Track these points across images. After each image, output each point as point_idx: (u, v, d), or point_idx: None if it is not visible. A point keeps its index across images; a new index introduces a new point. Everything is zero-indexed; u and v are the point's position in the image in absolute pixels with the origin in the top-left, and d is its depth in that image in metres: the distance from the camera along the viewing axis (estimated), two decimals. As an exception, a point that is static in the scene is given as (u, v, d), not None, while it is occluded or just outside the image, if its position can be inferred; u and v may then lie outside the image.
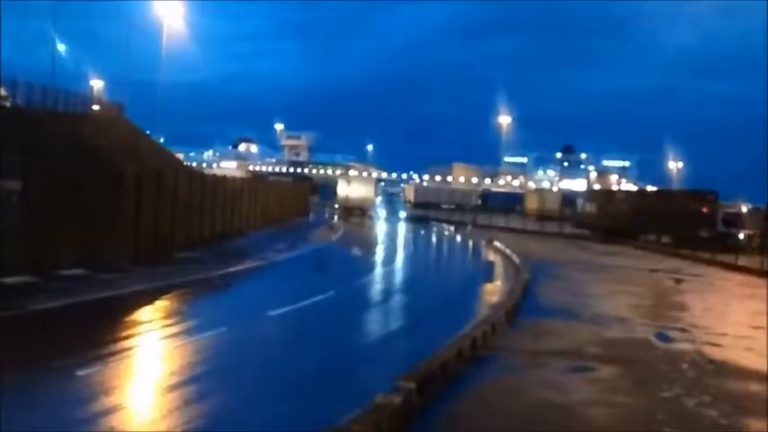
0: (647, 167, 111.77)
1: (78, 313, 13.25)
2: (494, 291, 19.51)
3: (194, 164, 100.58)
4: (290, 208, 48.60)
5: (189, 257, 22.03)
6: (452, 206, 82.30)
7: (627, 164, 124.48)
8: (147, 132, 46.89)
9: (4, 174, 15.42)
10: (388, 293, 18.98)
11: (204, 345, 11.33)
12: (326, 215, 58.13)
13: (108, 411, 7.81)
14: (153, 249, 20.88)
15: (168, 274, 18.30)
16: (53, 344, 10.74)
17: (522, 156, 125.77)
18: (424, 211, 68.61)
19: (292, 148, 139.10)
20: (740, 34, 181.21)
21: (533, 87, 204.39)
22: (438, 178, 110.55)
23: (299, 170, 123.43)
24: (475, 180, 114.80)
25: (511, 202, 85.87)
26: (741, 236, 38.84)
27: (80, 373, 9.10)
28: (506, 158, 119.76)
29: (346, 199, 61.37)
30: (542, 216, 68.61)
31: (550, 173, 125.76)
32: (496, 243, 34.98)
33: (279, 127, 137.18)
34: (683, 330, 14.75)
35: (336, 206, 62.22)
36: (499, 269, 24.43)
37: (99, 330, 12.03)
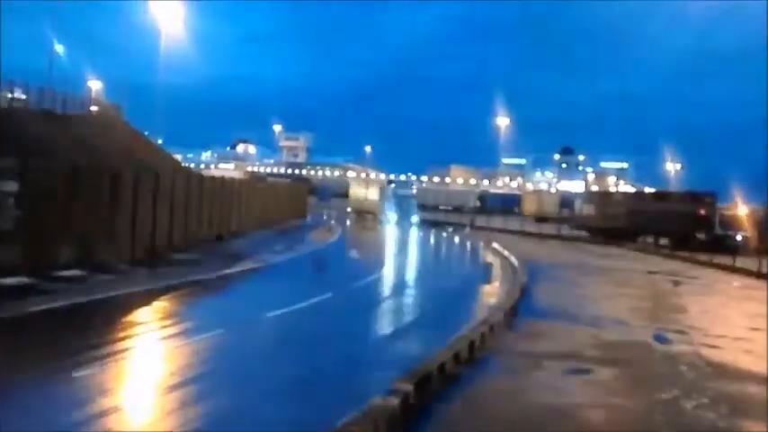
0: (645, 169, 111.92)
1: (75, 314, 13.22)
2: (492, 292, 19.50)
3: (192, 165, 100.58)
4: (288, 209, 48.54)
5: (186, 259, 21.99)
6: (450, 208, 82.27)
7: (625, 165, 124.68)
8: (146, 133, 46.82)
9: (0, 175, 15.39)
10: (385, 295, 18.96)
11: (202, 346, 11.30)
12: (325, 216, 58.05)
13: (105, 413, 7.79)
14: (150, 250, 20.85)
15: (166, 276, 18.27)
16: (50, 345, 10.71)
17: (521, 157, 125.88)
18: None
19: (290, 149, 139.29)
20: (738, 36, 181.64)
21: (532, 89, 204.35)
22: (436, 179, 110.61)
23: (297, 171, 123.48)
24: (473, 181, 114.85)
25: (509, 204, 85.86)
26: (739, 237, 38.87)
27: (77, 374, 9.07)
28: (504, 160, 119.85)
29: (357, 201, 60.74)
30: (540, 218, 68.68)
31: (548, 174, 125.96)
32: (494, 245, 34.99)
33: (277, 128, 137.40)
34: (681, 332, 14.74)
35: (349, 209, 61.35)
36: (497, 271, 24.42)
37: (96, 332, 11.99)
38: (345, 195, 67.30)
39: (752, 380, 10.96)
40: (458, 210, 79.95)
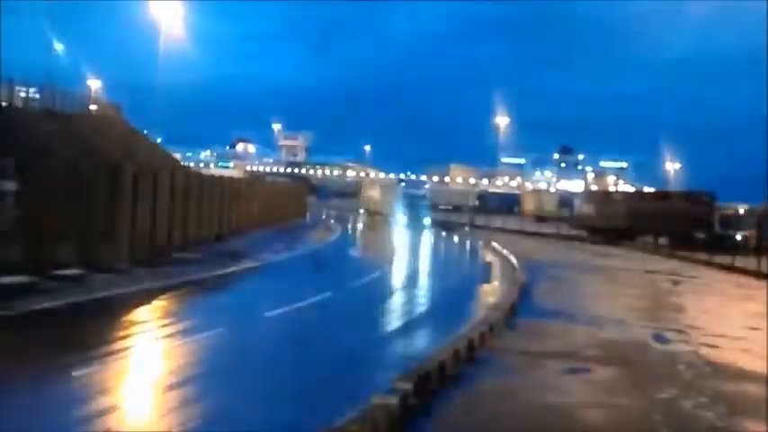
0: (645, 169, 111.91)
1: (75, 314, 13.22)
2: (491, 292, 19.50)
3: (192, 164, 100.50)
4: (288, 208, 48.52)
5: (186, 258, 21.99)
6: (450, 207, 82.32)
7: (624, 165, 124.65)
8: (145, 132, 46.79)
9: (0, 174, 15.39)
10: (385, 294, 18.95)
11: (201, 346, 11.30)
12: (324, 216, 58.04)
13: (104, 412, 7.79)
14: (150, 249, 20.84)
15: (165, 275, 18.27)
16: (49, 344, 10.70)
17: (520, 157, 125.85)
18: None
19: (290, 148, 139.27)
20: (738, 36, 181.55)
21: (531, 88, 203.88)
22: (435, 179, 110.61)
23: (296, 170, 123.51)
24: (472, 181, 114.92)
25: (508, 204, 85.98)
26: (738, 237, 38.91)
27: (76, 373, 9.07)
28: (504, 159, 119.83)
29: (370, 202, 59.82)
30: (540, 217, 68.84)
31: (548, 174, 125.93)
32: (494, 244, 34.99)
33: (276, 127, 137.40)
34: (681, 332, 14.75)
35: (361, 210, 60.54)
36: (496, 270, 24.42)
37: (96, 331, 12.00)
38: (344, 195, 67.15)
39: (751, 379, 10.96)
40: (457, 209, 79.98)
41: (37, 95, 32.82)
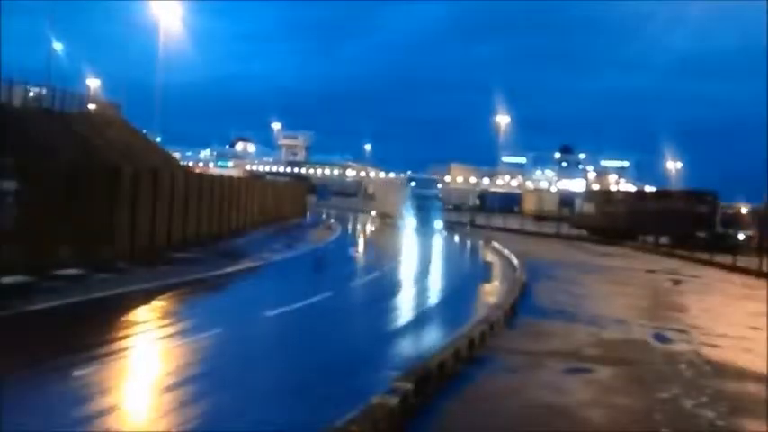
0: (646, 168, 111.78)
1: (74, 313, 13.19)
2: (491, 291, 19.47)
3: (191, 163, 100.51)
4: (288, 208, 48.53)
5: (185, 257, 21.97)
6: (450, 207, 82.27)
7: (625, 164, 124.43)
8: (144, 132, 46.81)
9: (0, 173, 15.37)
10: (385, 294, 18.90)
11: (200, 346, 11.27)
12: (324, 215, 58.00)
13: (104, 412, 7.76)
14: (149, 249, 20.81)
15: (165, 274, 18.24)
16: (49, 344, 10.67)
17: (521, 156, 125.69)
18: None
19: (290, 147, 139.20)
20: (739, 34, 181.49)
21: (532, 87, 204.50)
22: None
23: (296, 170, 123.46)
24: (473, 180, 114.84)
25: (509, 203, 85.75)
26: (741, 236, 38.86)
27: (76, 373, 9.05)
28: (504, 159, 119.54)
29: (374, 203, 58.06)
30: (540, 216, 68.73)
31: (549, 173, 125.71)
32: (494, 243, 34.95)
33: (276, 126, 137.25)
34: (681, 331, 14.72)
35: (374, 213, 58.57)
36: (497, 270, 24.38)
37: (95, 330, 11.98)
38: (344, 194, 66.51)
39: (752, 379, 10.94)
40: (458, 208, 79.93)
41: (37, 95, 32.85)
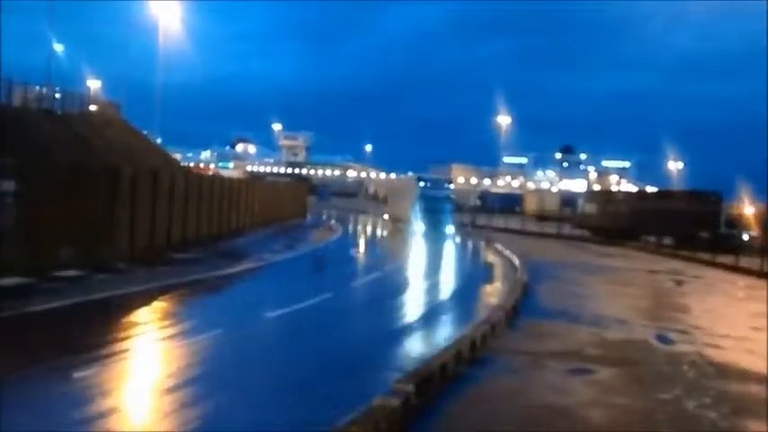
0: (647, 168, 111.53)
1: (74, 314, 13.15)
2: (493, 292, 19.43)
3: (192, 164, 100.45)
4: (288, 208, 48.49)
5: (185, 258, 21.94)
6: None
7: (627, 164, 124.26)
8: (145, 132, 46.74)
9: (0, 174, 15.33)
10: (386, 295, 18.86)
11: (201, 347, 11.23)
12: (325, 216, 57.96)
13: (105, 413, 7.72)
14: (149, 250, 20.78)
15: (165, 275, 18.20)
16: (49, 345, 10.64)
17: (522, 156, 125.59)
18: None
19: (290, 148, 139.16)
20: (739, 35, 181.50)
21: (533, 88, 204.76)
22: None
23: (296, 170, 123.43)
24: (474, 181, 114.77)
25: (510, 203, 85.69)
26: (745, 237, 38.79)
27: (77, 374, 9.01)
28: (505, 159, 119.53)
29: (394, 207, 55.64)
30: (542, 217, 68.69)
31: (550, 173, 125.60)
32: (496, 244, 34.91)
33: (277, 127, 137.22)
34: (684, 332, 14.68)
35: (386, 216, 56.36)
36: (498, 270, 24.34)
37: (95, 332, 11.93)
38: (345, 195, 66.23)
39: (754, 380, 10.90)
40: (459, 209, 79.83)
41: (37, 95, 32.82)
